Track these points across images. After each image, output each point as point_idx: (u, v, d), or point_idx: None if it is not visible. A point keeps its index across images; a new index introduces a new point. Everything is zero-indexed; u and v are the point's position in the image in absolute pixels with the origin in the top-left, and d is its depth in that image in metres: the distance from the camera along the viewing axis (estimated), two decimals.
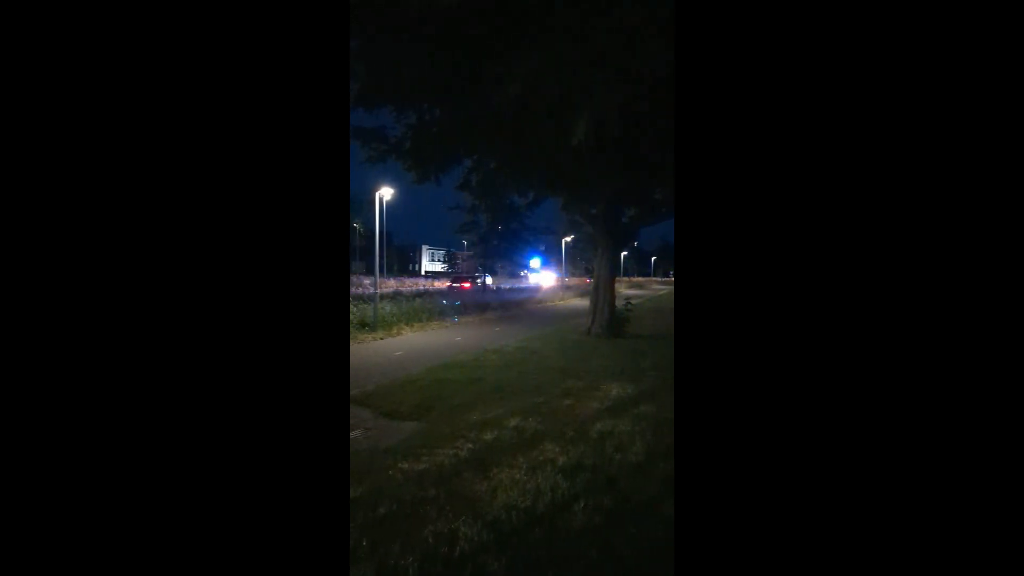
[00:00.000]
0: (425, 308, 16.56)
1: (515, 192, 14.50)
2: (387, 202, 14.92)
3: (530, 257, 45.46)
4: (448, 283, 43.36)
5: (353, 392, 6.64)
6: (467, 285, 41.71)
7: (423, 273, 50.69)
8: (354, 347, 11.01)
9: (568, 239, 35.82)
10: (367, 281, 31.30)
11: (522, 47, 6.60)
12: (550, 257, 44.19)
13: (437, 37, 7.15)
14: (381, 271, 16.59)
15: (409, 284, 33.26)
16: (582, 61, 6.45)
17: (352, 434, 5.02)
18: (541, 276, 47.35)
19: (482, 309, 20.07)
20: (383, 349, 10.85)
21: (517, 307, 23.09)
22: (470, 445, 4.52)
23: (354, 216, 17.62)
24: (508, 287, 35.79)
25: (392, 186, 14.68)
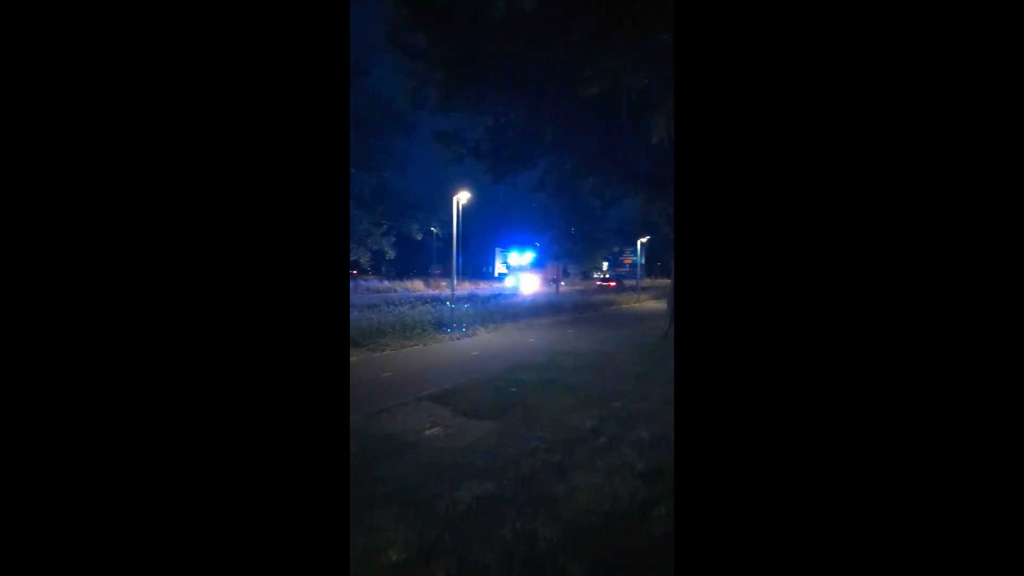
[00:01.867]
0: (500, 310, 16.75)
1: (591, 193, 14.37)
2: (462, 205, 15.21)
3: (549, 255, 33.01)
4: (596, 282, 44.57)
5: (432, 390, 6.82)
6: (612, 284, 42.83)
7: (496, 275, 51.00)
8: (432, 347, 11.32)
9: (643, 240, 35.04)
10: (443, 283, 32.14)
11: (608, 47, 6.53)
12: (548, 254, 33.47)
13: (523, 39, 7.22)
14: (453, 273, 16.92)
15: (483, 286, 33.92)
16: (664, 59, 6.30)
17: (432, 431, 5.15)
18: (521, 279, 33.98)
19: (555, 311, 20.03)
20: (460, 349, 11.08)
21: (591, 309, 22.85)
22: (545, 447, 4.51)
23: (431, 219, 18.07)
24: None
25: (468, 188, 14.97)
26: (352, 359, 9.59)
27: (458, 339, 12.47)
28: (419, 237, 18.98)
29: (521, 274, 36.34)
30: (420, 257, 44.67)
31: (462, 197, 15.07)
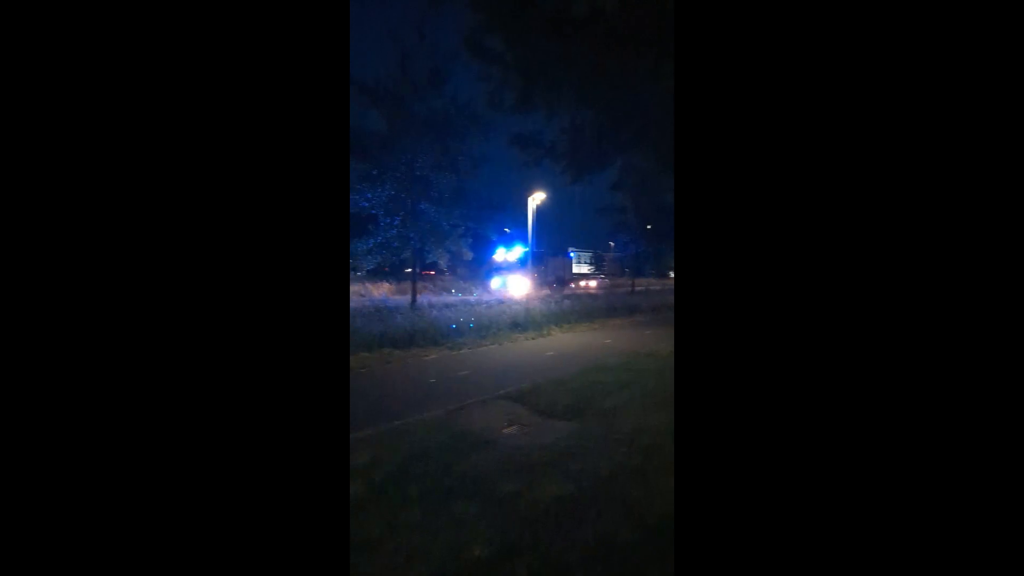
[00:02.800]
0: (574, 310, 16.66)
1: (670, 191, 13.99)
2: (537, 205, 15.28)
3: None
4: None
5: (508, 390, 6.89)
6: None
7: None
8: (507, 347, 11.43)
9: None
10: None
11: None
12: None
13: (600, 38, 7.17)
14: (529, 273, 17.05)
15: (556, 286, 33.80)
16: None
17: (510, 429, 5.21)
18: (508, 280, 28.55)
19: (631, 311, 19.65)
20: (535, 349, 11.12)
21: (669, 310, 22.22)
22: (624, 449, 4.44)
23: (506, 220, 18.30)
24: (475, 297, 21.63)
25: (543, 189, 15.00)
26: (431, 357, 9.88)
27: (533, 339, 12.52)
28: (494, 238, 19.23)
29: (508, 274, 29.18)
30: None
31: (537, 198, 15.12)
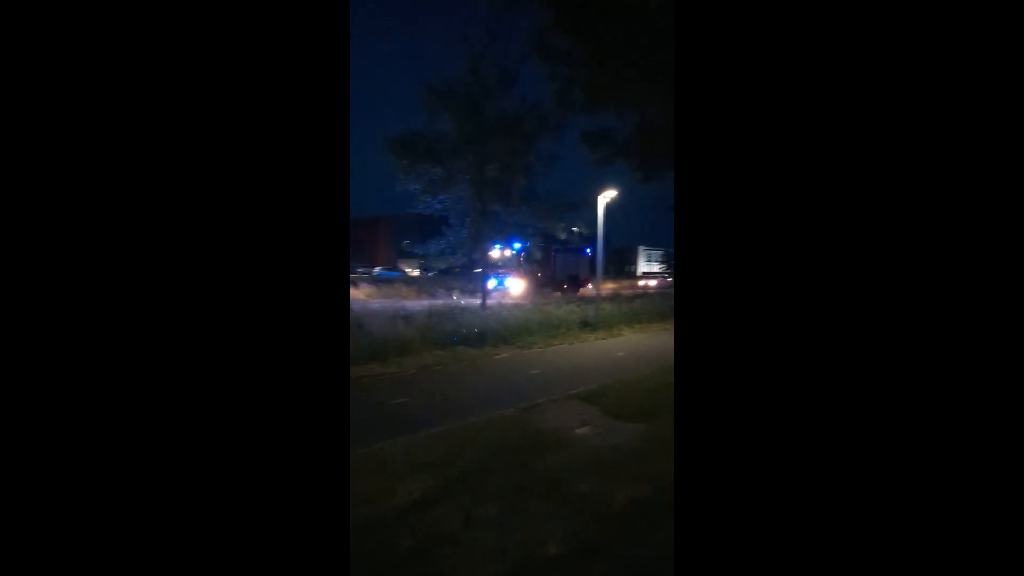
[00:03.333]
0: (646, 310, 16.35)
1: None
2: (607, 204, 15.10)
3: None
4: None
5: (579, 390, 6.88)
6: None
7: (639, 274, 49.53)
8: (577, 346, 11.40)
9: None
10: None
11: None
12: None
13: (672, 30, 7.02)
14: (598, 273, 16.83)
15: (627, 285, 33.13)
16: None
17: (582, 430, 5.21)
18: (508, 281, 23.94)
19: None
20: (605, 349, 11.03)
21: None
22: None
23: (575, 219, 18.15)
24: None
25: (614, 187, 14.81)
26: (502, 355, 10.01)
27: (603, 339, 12.41)
28: (563, 237, 19.17)
29: (501, 272, 24.96)
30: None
31: (607, 196, 14.96)
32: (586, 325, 13.38)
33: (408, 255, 38.30)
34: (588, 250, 26.41)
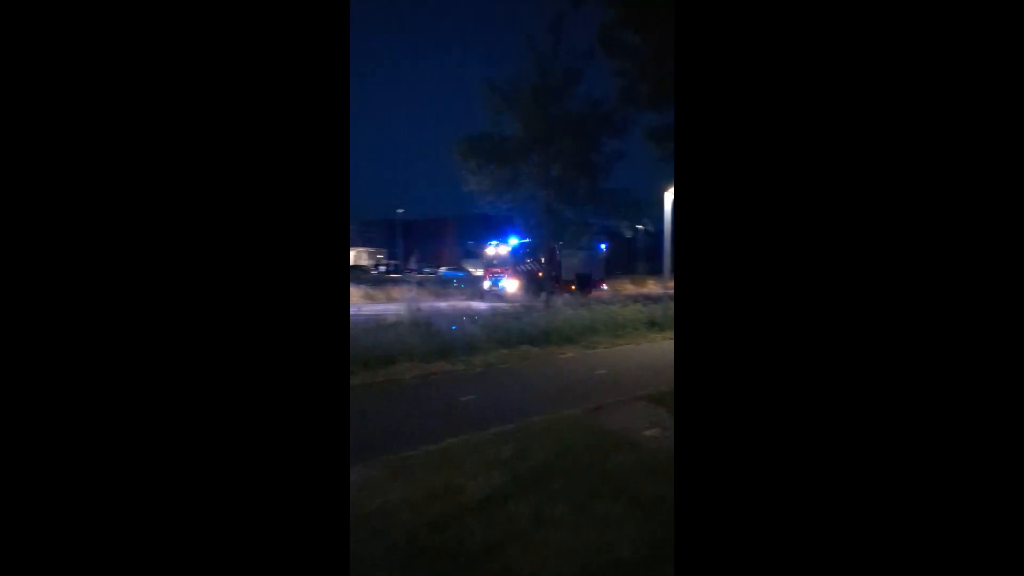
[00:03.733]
0: None
1: None
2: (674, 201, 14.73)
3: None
4: None
5: (648, 390, 6.74)
6: None
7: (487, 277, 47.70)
8: (644, 346, 11.19)
9: None
10: (650, 281, 31.38)
11: None
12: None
13: None
14: (664, 271, 16.42)
15: None
16: None
17: (651, 432, 5.11)
18: (504, 281, 22.37)
19: None
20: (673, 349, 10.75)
21: None
22: None
23: (641, 217, 17.75)
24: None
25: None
26: (567, 355, 9.97)
27: (671, 339, 12.09)
28: (628, 235, 18.87)
29: (496, 272, 23.14)
30: (625, 255, 44.30)
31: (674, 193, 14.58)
32: (653, 325, 13.09)
33: (472, 255, 38.82)
34: (603, 246, 23.27)
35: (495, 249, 23.63)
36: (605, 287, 20.74)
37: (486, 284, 23.31)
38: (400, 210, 54.74)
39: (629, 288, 29.74)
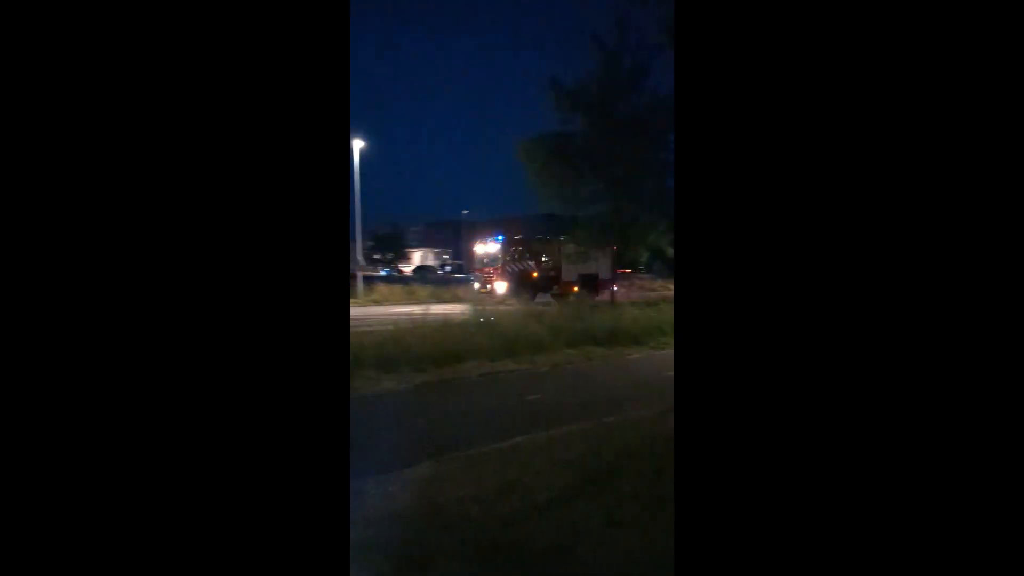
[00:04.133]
0: None
1: None
2: None
3: None
4: None
5: None
6: None
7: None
8: None
9: None
10: None
11: None
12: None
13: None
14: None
15: None
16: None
17: None
18: (487, 279, 21.10)
19: None
20: None
21: None
22: None
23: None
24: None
25: None
26: (634, 356, 9.83)
27: None
28: None
29: (485, 272, 21.59)
30: None
31: None
32: None
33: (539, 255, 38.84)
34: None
35: (484, 247, 22.09)
36: (616, 288, 18.02)
37: (475, 285, 21.87)
38: (465, 211, 55.81)
39: None
